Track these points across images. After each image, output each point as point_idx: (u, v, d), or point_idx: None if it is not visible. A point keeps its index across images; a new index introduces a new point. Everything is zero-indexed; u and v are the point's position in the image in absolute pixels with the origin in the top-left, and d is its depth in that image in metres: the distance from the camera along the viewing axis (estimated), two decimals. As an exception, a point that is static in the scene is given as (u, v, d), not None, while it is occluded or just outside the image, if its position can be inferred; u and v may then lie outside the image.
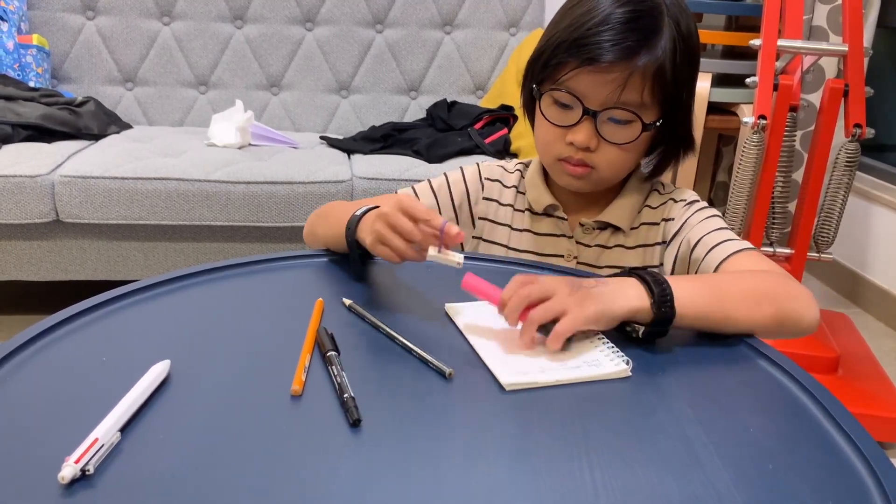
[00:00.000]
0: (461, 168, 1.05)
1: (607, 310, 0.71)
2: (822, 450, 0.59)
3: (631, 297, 0.72)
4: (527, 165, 1.05)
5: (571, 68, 0.86)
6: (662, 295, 0.72)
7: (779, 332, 0.78)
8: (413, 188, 1.03)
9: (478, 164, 1.06)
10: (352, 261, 0.87)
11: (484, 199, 1.03)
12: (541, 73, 0.91)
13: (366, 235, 0.81)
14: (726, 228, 0.91)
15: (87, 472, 0.51)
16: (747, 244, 0.88)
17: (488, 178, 1.04)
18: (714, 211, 0.95)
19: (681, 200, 0.97)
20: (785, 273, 0.82)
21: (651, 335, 0.74)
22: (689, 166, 2.21)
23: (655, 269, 0.79)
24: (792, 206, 2.09)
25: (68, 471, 0.50)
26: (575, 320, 0.69)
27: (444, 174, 1.05)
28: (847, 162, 1.86)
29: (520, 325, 0.72)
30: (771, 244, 1.99)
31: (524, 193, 1.02)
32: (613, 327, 0.73)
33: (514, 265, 0.93)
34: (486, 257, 0.95)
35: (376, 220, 0.78)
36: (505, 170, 1.05)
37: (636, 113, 0.87)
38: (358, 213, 0.85)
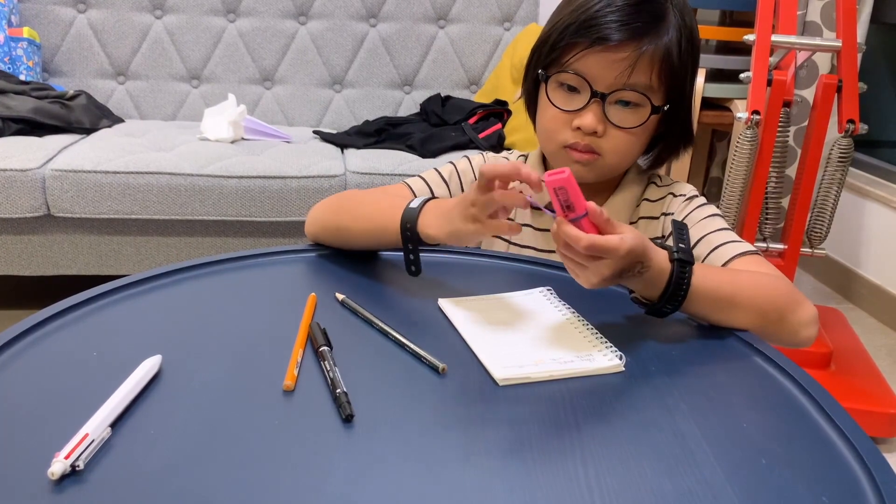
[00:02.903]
0: (466, 157, 1.04)
1: (607, 286, 0.73)
2: (815, 445, 0.59)
3: (638, 286, 0.75)
4: (526, 158, 1.05)
5: (580, 50, 0.86)
6: (674, 297, 0.73)
7: (776, 338, 0.79)
8: (421, 177, 1.01)
9: (483, 155, 1.05)
10: (407, 254, 0.83)
11: None
12: (547, 56, 0.90)
13: (442, 232, 0.78)
14: (728, 229, 0.92)
15: (76, 468, 0.51)
16: (751, 247, 0.88)
17: None
18: (715, 209, 0.95)
19: (681, 195, 0.97)
20: (789, 282, 0.83)
21: (676, 286, 0.74)
22: (683, 162, 2.21)
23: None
24: (785, 202, 2.10)
25: (58, 466, 0.50)
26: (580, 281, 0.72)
27: (451, 162, 1.03)
28: (840, 158, 1.86)
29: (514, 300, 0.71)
30: (764, 239, 2.00)
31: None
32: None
33: (513, 261, 0.93)
34: (488, 253, 0.95)
35: (468, 208, 0.74)
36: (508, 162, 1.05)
37: (646, 94, 0.87)
38: (414, 205, 0.81)
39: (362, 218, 0.89)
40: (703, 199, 0.96)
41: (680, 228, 0.79)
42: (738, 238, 0.90)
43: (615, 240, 0.68)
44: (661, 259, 0.74)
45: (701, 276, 0.75)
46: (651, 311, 0.76)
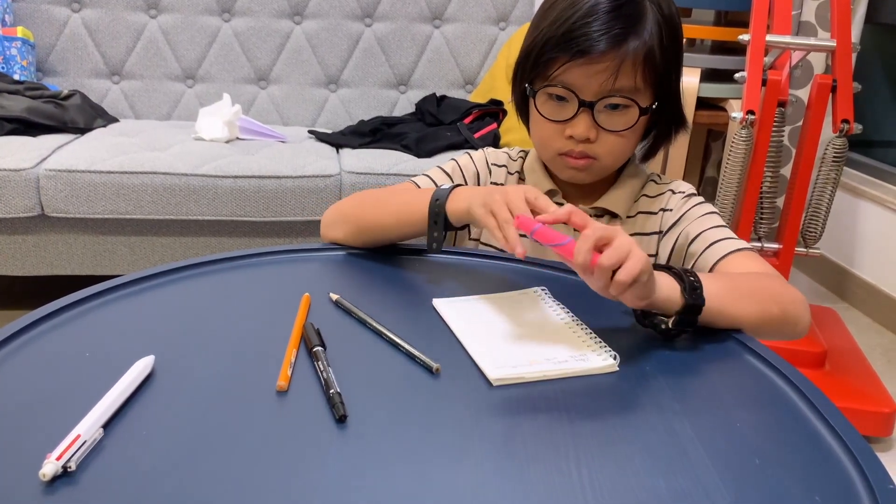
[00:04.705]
0: (468, 153, 1.06)
1: (654, 280, 0.70)
2: (809, 444, 0.59)
3: (663, 285, 0.72)
4: (527, 153, 1.06)
5: (562, 63, 0.87)
6: (692, 285, 0.72)
7: (777, 334, 0.80)
8: (426, 174, 1.02)
9: (483, 150, 1.07)
10: (432, 229, 0.86)
11: (491, 183, 1.04)
12: (532, 71, 0.91)
13: (466, 204, 0.81)
14: (725, 226, 0.93)
15: (68, 469, 0.50)
16: (745, 244, 0.89)
17: (495, 164, 1.05)
18: (712, 207, 0.96)
19: (679, 192, 0.98)
20: (781, 276, 0.84)
21: (681, 324, 0.73)
22: (677, 161, 2.21)
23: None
24: (780, 202, 2.10)
25: (50, 467, 0.49)
26: (640, 260, 0.66)
27: (454, 159, 1.05)
28: (835, 157, 1.87)
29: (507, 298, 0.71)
30: (759, 239, 2.00)
31: (524, 180, 1.03)
32: (640, 307, 0.72)
33: (508, 261, 0.93)
34: (482, 253, 0.95)
35: (494, 193, 0.77)
36: (509, 156, 1.06)
37: (632, 98, 0.88)
38: (446, 186, 0.86)
39: (390, 210, 0.91)
40: (700, 198, 0.97)
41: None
42: (733, 235, 0.91)
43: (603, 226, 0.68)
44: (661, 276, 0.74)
45: (706, 283, 0.74)
46: (680, 320, 0.73)
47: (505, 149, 1.08)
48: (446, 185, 0.86)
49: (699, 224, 0.93)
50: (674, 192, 0.98)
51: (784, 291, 0.82)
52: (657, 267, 0.76)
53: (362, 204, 0.95)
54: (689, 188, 0.99)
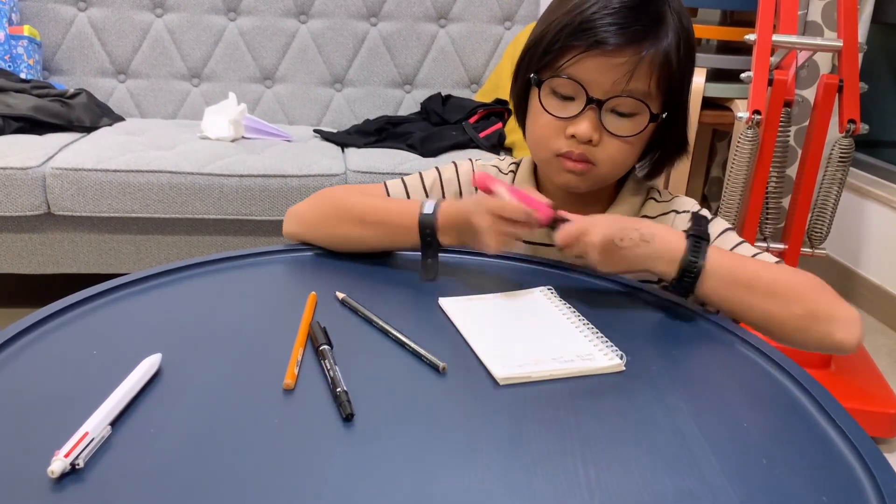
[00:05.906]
0: (454, 164, 1.01)
1: (625, 271, 0.80)
2: (816, 445, 0.59)
3: (657, 266, 0.78)
4: (518, 165, 1.01)
5: (575, 54, 0.82)
6: (689, 273, 0.76)
7: (805, 338, 0.76)
8: (403, 181, 0.99)
9: (471, 161, 1.02)
10: (429, 262, 0.85)
11: None
12: (540, 60, 0.86)
13: (457, 240, 0.83)
14: (746, 242, 0.88)
15: (76, 467, 0.50)
16: (762, 252, 0.85)
17: None
18: (725, 223, 0.91)
19: (684, 212, 0.93)
20: (824, 283, 0.78)
21: (675, 288, 0.79)
22: (683, 162, 2.20)
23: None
24: (786, 202, 2.10)
25: (58, 465, 0.49)
26: (588, 262, 0.79)
27: (437, 169, 1.00)
28: (841, 157, 1.86)
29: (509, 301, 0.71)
30: (764, 239, 1.99)
31: None
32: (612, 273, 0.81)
33: (514, 260, 0.93)
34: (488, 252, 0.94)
35: (493, 221, 0.79)
36: (499, 170, 1.01)
37: (644, 102, 0.83)
38: (428, 210, 0.83)
39: (369, 221, 0.87)
40: (708, 214, 0.92)
41: (699, 219, 0.81)
42: (759, 250, 0.87)
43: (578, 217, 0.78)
44: (668, 233, 0.78)
45: (718, 253, 0.76)
46: (675, 287, 0.78)
47: (496, 160, 1.03)
48: (427, 206, 0.82)
49: (720, 245, 0.87)
50: (677, 213, 0.93)
51: (820, 291, 0.75)
52: (690, 236, 0.78)
53: (338, 216, 0.90)
54: (692, 205, 0.94)
